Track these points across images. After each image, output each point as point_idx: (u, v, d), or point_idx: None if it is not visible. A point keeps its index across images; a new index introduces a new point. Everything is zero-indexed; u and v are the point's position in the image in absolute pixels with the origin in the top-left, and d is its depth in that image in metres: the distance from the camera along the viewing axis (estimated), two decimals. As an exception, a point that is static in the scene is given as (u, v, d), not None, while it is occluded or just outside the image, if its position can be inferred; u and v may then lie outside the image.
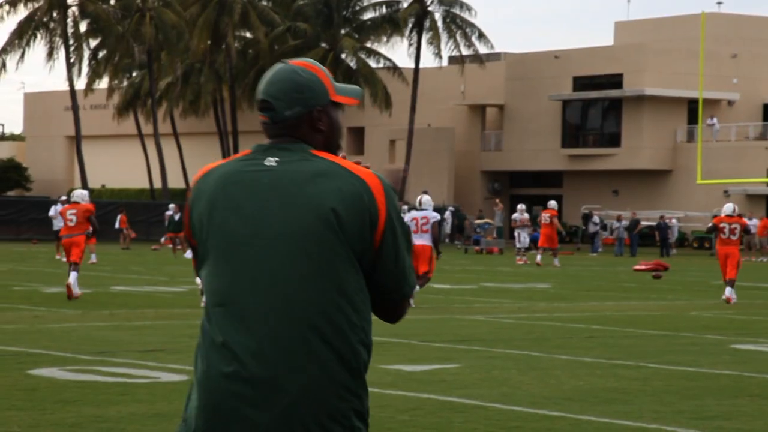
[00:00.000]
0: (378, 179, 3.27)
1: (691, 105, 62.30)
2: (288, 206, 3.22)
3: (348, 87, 3.45)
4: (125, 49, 67.07)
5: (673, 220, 55.55)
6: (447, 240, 59.77)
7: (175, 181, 71.63)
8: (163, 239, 47.82)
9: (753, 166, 60.78)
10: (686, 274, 35.22)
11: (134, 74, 74.15)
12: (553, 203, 40.86)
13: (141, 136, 72.88)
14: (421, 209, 21.21)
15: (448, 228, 61.75)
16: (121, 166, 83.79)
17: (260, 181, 3.26)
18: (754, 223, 49.64)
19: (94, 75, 70.99)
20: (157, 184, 70.47)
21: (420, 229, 20.86)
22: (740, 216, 24.44)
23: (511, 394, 10.87)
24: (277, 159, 3.28)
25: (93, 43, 69.36)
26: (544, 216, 39.77)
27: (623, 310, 21.33)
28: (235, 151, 69.29)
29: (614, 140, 65.43)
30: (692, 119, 62.82)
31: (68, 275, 21.12)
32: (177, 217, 41.65)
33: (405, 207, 47.73)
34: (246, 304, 3.21)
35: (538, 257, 39.33)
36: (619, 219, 53.63)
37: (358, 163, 3.36)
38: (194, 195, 3.33)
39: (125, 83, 73.91)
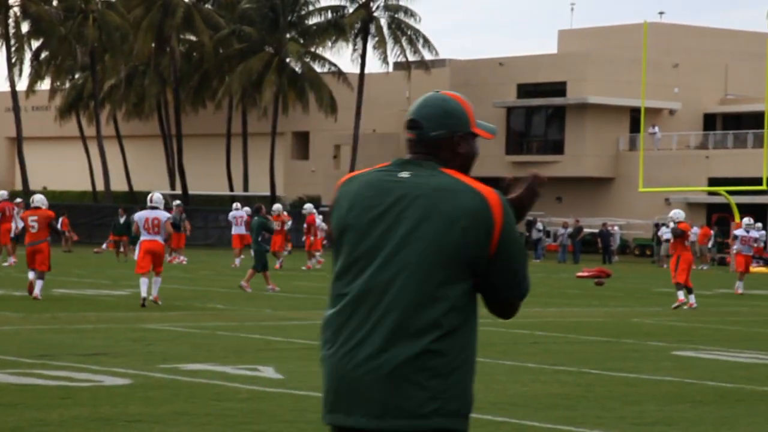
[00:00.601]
0: (497, 195, 3.77)
1: (634, 113, 62.76)
2: (412, 215, 3.73)
3: (487, 124, 4.01)
4: (68, 50, 66.36)
5: (615, 228, 55.90)
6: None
7: (118, 184, 71.00)
8: (105, 243, 47.40)
9: (693, 175, 61.34)
10: (628, 281, 35.48)
11: (77, 76, 73.42)
12: None
13: (83, 138, 72.16)
14: None
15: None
16: (63, 169, 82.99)
17: (392, 190, 3.77)
18: (695, 231, 50.05)
19: (36, 76, 70.24)
20: (100, 186, 69.82)
21: None
22: None
23: (456, 399, 10.84)
24: (409, 172, 3.79)
25: (35, 44, 68.62)
26: None
27: (566, 316, 21.43)
28: (179, 154, 68.79)
29: (558, 147, 65.76)
30: (634, 128, 63.30)
31: (31, 277, 21.60)
32: (122, 220, 41.25)
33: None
34: (360, 294, 3.76)
35: None
36: (564, 226, 53.89)
37: (538, 177, 4.01)
38: (337, 197, 3.87)
39: (67, 85, 73.17)
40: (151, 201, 21.14)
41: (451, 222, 3.71)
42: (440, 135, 3.87)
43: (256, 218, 26.66)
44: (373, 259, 3.76)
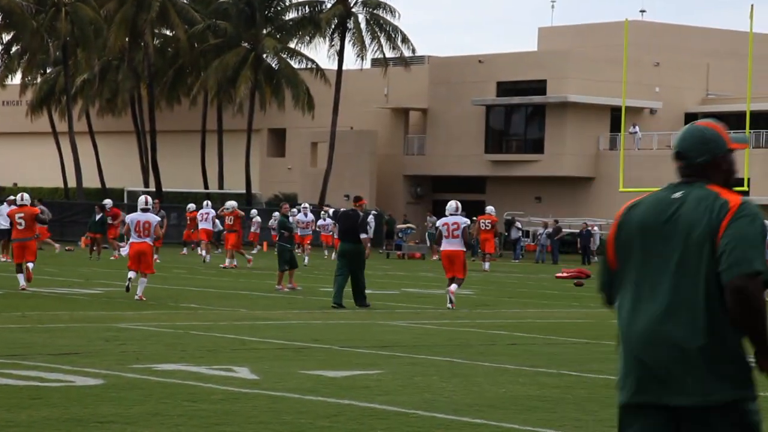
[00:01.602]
0: (739, 199, 4.61)
1: (614, 112, 62.71)
2: (682, 224, 4.61)
3: (738, 135, 4.92)
4: (39, 44, 65.57)
5: (596, 228, 55.81)
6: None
7: (90, 181, 70.43)
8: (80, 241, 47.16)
9: (674, 175, 61.19)
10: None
11: (49, 70, 72.82)
12: (491, 209, 41.64)
13: (55, 134, 71.54)
14: (453, 215, 22.12)
15: (370, 232, 61.67)
16: (34, 165, 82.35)
17: (668, 209, 4.69)
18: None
19: (7, 70, 69.69)
20: (72, 183, 69.29)
21: (451, 234, 21.75)
22: None
23: (434, 400, 10.79)
24: (681, 192, 4.71)
25: (6, 37, 68.07)
26: (484, 222, 40.41)
27: (545, 317, 21.35)
28: (153, 150, 68.28)
29: (537, 146, 65.65)
30: (615, 127, 63.26)
31: (20, 273, 23.14)
32: (97, 218, 40.95)
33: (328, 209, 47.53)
34: (653, 290, 4.62)
35: (486, 265, 40.02)
36: (544, 226, 53.73)
37: None
38: (623, 218, 4.83)
39: (39, 79, 72.55)
40: (145, 203, 22.58)
41: (706, 230, 4.55)
42: (705, 160, 4.73)
43: (281, 217, 26.47)
44: (657, 266, 4.64)
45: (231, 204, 37.46)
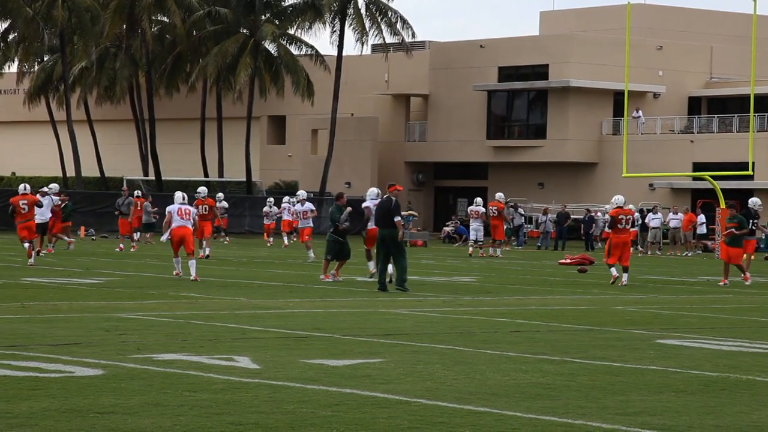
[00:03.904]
0: None
1: (617, 97, 62.53)
2: None
3: None
4: (36, 32, 65.29)
5: (599, 214, 55.71)
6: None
7: (89, 170, 70.31)
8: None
9: (678, 160, 61.23)
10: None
11: (46, 58, 72.58)
12: (500, 195, 42.16)
13: (53, 122, 71.34)
14: (375, 199, 24.54)
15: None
16: (32, 154, 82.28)
17: None
18: (678, 217, 49.98)
19: (4, 58, 69.45)
20: (71, 172, 69.13)
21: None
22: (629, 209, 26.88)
23: (436, 389, 10.75)
24: None
25: (2, 25, 67.85)
26: (492, 208, 40.99)
27: (548, 304, 21.28)
28: (152, 138, 67.95)
29: (540, 132, 65.49)
30: (618, 111, 63.09)
31: (27, 246, 27.80)
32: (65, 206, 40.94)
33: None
34: None
35: (498, 251, 40.56)
36: (545, 212, 53.61)
37: None
38: None
39: (36, 67, 72.33)
40: (182, 199, 25.38)
41: None
42: None
43: (333, 208, 26.22)
44: None
45: (202, 189, 36.94)
